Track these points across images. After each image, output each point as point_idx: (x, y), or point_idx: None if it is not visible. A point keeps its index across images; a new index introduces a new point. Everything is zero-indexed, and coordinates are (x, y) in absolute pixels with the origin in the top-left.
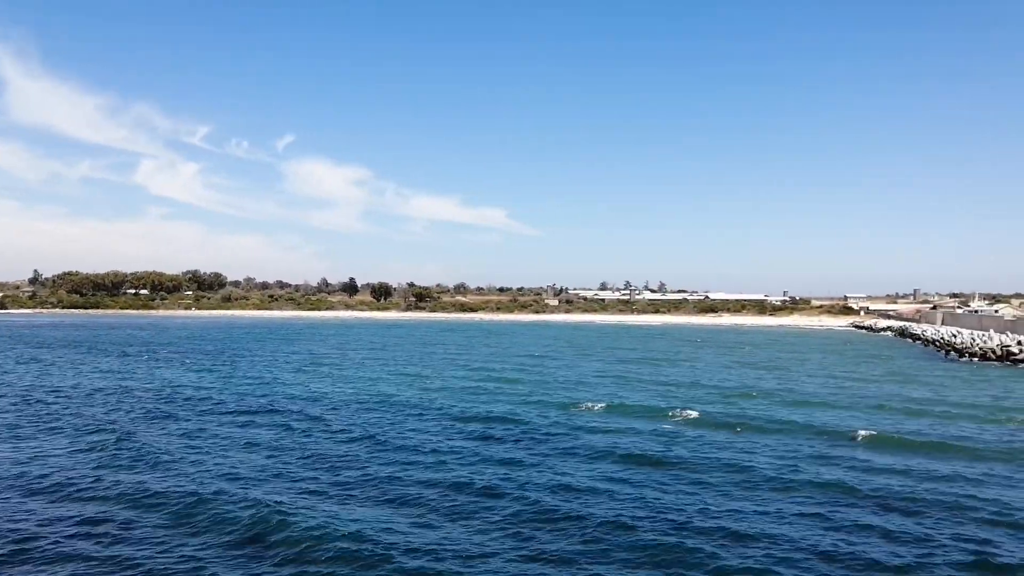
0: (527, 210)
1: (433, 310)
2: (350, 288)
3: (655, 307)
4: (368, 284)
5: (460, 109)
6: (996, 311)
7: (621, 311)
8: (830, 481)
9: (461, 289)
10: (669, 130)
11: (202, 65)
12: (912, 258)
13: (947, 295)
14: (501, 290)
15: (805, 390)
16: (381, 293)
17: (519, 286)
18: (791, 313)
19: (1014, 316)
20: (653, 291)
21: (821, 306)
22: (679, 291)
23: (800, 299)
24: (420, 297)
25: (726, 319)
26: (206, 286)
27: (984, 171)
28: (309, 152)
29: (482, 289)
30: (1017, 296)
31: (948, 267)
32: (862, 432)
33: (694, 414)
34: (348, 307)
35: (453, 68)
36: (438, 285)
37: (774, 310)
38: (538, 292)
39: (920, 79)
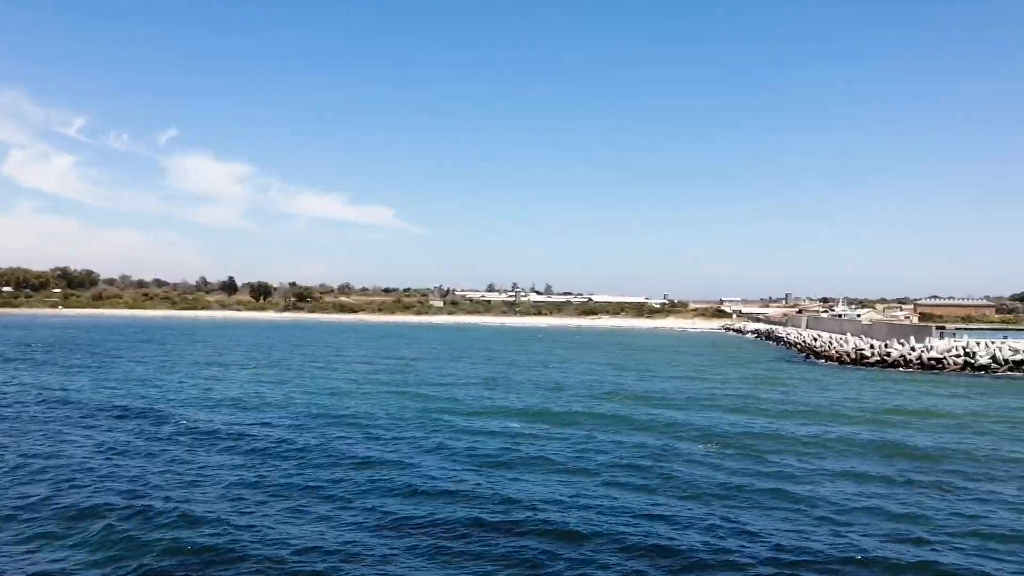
0: (417, 209)
1: (313, 311)
2: (229, 287)
3: (538, 309)
4: (248, 284)
5: (348, 105)
6: (859, 315)
7: (504, 313)
8: (670, 479)
9: (345, 289)
10: (559, 133)
11: (78, 54)
12: (787, 263)
13: (818, 299)
14: (387, 291)
15: (664, 391)
16: (260, 293)
17: (406, 287)
18: (667, 316)
19: (871, 320)
20: (540, 293)
21: (696, 309)
22: (565, 293)
23: (678, 302)
24: (301, 297)
25: (605, 321)
26: (76, 284)
27: (858, 179)
28: (192, 147)
29: (367, 289)
30: (882, 301)
31: (822, 272)
32: (708, 431)
33: (552, 415)
34: (224, 307)
35: (339, 63)
36: (322, 285)
37: (651, 312)
38: (424, 293)
39: (799, 84)
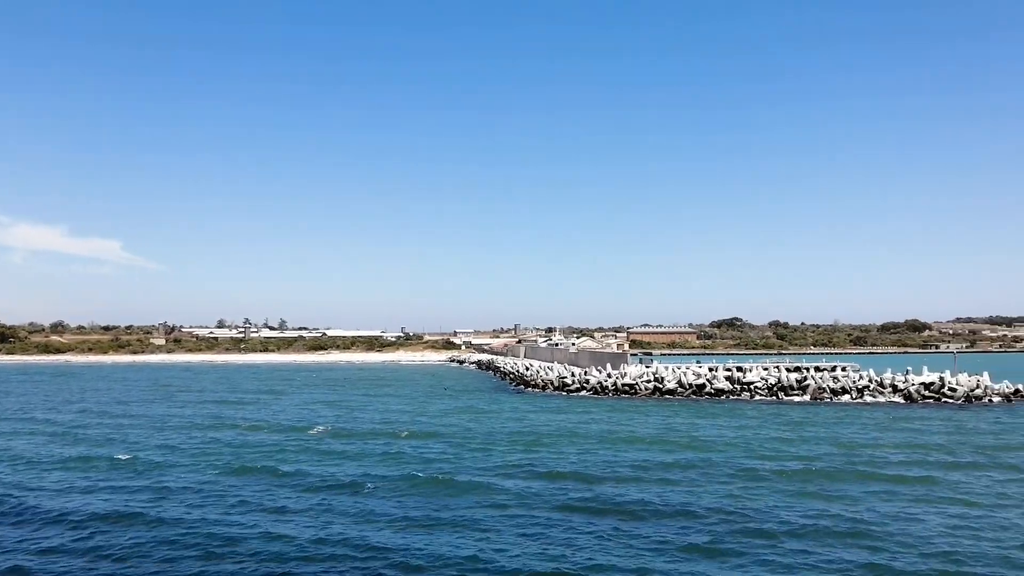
0: (147, 243)
1: (11, 352)
2: None
3: (265, 346)
4: None
5: (74, 131)
6: (572, 344)
7: (229, 350)
8: (332, 507)
9: (59, 328)
10: (288, 162)
11: None
12: (516, 294)
13: (543, 328)
14: (107, 328)
15: (360, 425)
16: None
17: (128, 324)
18: (399, 349)
19: (577, 349)
20: (273, 328)
21: (428, 341)
22: (301, 328)
23: (414, 335)
24: (1, 337)
25: (336, 356)
26: None
27: (581, 217)
28: None
29: (84, 328)
30: (600, 329)
31: (549, 302)
32: (394, 462)
33: (234, 457)
34: None
35: (55, 76)
36: (31, 324)
37: (383, 346)
38: (148, 330)
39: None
